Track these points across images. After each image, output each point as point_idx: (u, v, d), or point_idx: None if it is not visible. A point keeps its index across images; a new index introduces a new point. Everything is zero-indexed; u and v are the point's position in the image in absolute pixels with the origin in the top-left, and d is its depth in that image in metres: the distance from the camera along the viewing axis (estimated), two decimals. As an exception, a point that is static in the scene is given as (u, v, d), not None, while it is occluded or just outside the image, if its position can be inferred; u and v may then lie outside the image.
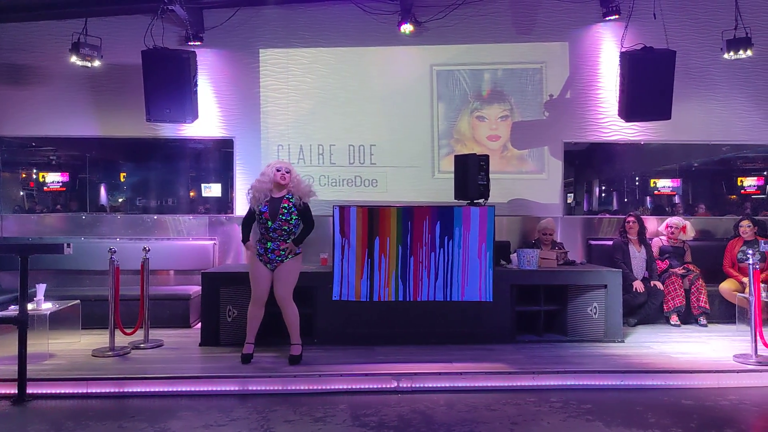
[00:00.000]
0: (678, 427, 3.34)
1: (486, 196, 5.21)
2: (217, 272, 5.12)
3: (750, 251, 4.57)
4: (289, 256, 4.39)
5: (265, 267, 4.39)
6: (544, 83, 6.52)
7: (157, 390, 3.93)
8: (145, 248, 5.00)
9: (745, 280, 5.46)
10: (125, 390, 3.92)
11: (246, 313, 4.53)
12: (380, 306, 4.89)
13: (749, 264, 4.48)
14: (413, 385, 4.00)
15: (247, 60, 6.48)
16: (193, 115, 5.96)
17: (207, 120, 6.39)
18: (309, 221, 4.49)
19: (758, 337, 4.36)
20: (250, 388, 3.97)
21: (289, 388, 3.98)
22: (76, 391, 3.91)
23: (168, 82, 5.71)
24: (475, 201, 5.16)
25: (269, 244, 4.38)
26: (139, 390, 3.92)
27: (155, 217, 6.48)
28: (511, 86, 6.52)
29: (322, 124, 6.48)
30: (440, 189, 6.22)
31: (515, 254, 5.28)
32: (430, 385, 4.01)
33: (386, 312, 4.92)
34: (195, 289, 5.69)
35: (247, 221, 4.52)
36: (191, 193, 10.68)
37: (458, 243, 4.90)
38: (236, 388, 3.97)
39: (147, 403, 3.80)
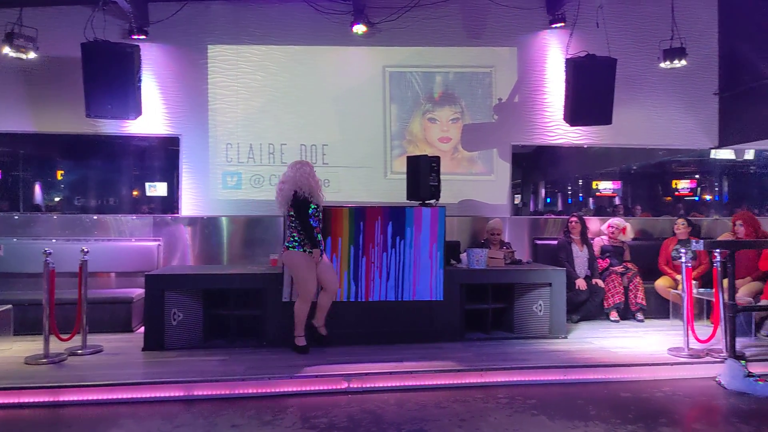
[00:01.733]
0: (617, 418, 3.49)
1: (437, 196, 5.28)
2: (162, 274, 4.95)
3: (683, 250, 4.83)
4: None
5: None
6: (493, 87, 6.67)
7: (95, 398, 3.76)
8: (83, 249, 4.78)
9: (678, 277, 5.75)
10: (61, 399, 3.73)
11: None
12: (331, 306, 4.86)
13: (682, 262, 4.74)
14: (364, 386, 4.00)
15: (194, 56, 6.31)
16: (137, 111, 5.74)
17: (152, 117, 6.17)
18: None
19: (690, 331, 4.61)
20: (195, 393, 3.86)
21: (236, 392, 3.90)
22: (7, 401, 3.69)
23: (110, 77, 5.47)
24: (426, 202, 5.21)
25: (320, 236, 4.64)
26: (75, 398, 3.74)
27: (95, 217, 6.20)
28: (461, 89, 6.63)
29: (272, 123, 6.39)
30: (392, 189, 6.25)
31: (465, 254, 5.37)
32: (381, 385, 4.02)
33: (337, 312, 4.89)
34: (138, 292, 5.48)
35: None
36: (134, 193, 10.32)
37: (410, 243, 4.94)
38: (181, 394, 3.84)
39: (84, 411, 3.63)
